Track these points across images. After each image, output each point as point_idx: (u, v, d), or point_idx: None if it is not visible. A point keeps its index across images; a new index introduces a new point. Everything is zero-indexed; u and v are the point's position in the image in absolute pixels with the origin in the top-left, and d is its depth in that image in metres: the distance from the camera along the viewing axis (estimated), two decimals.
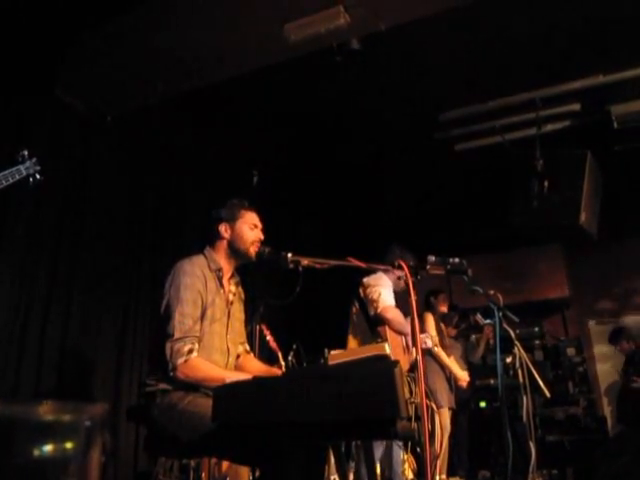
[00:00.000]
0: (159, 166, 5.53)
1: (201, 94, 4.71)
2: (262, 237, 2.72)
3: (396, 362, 1.80)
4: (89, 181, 4.74)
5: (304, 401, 1.78)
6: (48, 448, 3.17)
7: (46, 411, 3.26)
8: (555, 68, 4.83)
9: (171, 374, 2.37)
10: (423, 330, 4.96)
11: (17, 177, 3.00)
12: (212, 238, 2.74)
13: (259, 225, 2.76)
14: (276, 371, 2.98)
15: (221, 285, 2.67)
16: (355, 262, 2.53)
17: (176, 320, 2.43)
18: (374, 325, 4.19)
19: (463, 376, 5.21)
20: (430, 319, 5.25)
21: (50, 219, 4.34)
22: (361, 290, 4.31)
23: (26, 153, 3.07)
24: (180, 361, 2.37)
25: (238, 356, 2.81)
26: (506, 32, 4.36)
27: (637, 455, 4.34)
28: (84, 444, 3.31)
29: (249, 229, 2.71)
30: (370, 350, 2.19)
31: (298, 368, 4.53)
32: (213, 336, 2.57)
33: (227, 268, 2.72)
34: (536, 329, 7.25)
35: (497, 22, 4.25)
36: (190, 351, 2.40)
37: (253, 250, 2.68)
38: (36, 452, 3.12)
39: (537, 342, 7.22)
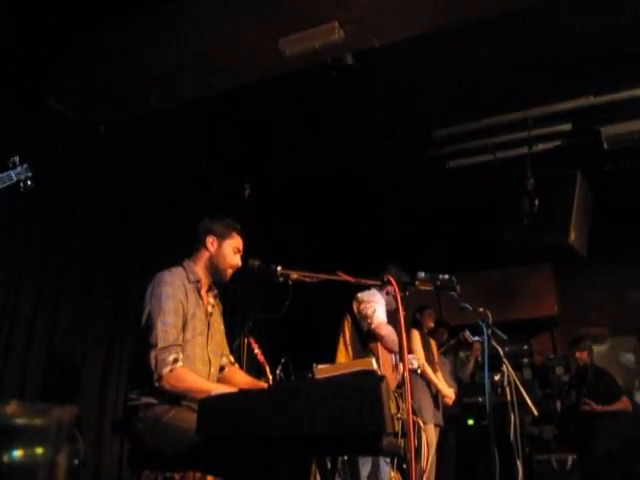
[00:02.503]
0: (151, 177, 5.52)
1: (195, 106, 4.72)
2: (240, 264, 2.73)
3: (383, 377, 1.79)
4: (80, 190, 4.72)
5: (289, 415, 1.76)
6: (18, 454, 3.12)
7: (13, 412, 3.20)
8: (547, 88, 4.88)
9: (156, 384, 2.34)
10: (410, 348, 4.96)
11: (7, 182, 2.98)
12: (195, 247, 2.75)
13: (241, 252, 2.77)
14: (262, 384, 2.96)
15: (200, 297, 2.67)
16: (344, 277, 2.53)
17: (159, 330, 2.42)
18: (366, 341, 4.19)
19: (449, 393, 5.20)
20: (416, 336, 5.25)
21: (40, 226, 4.31)
22: (355, 305, 4.32)
23: (17, 159, 3.05)
24: (165, 370, 2.35)
25: (223, 368, 2.79)
26: (499, 52, 4.41)
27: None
28: (52, 449, 3.25)
29: (232, 252, 2.72)
30: (357, 365, 2.19)
31: (284, 382, 4.51)
32: (195, 346, 2.56)
33: (205, 281, 2.72)
34: (525, 347, 7.26)
35: (490, 42, 4.29)
36: (175, 360, 2.38)
37: (229, 273, 2.71)
38: (5, 458, 3.06)
39: (526, 360, 7.22)
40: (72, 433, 3.44)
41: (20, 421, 3.24)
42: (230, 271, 2.70)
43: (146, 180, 5.47)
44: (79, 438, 3.53)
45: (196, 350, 2.56)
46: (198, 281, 2.67)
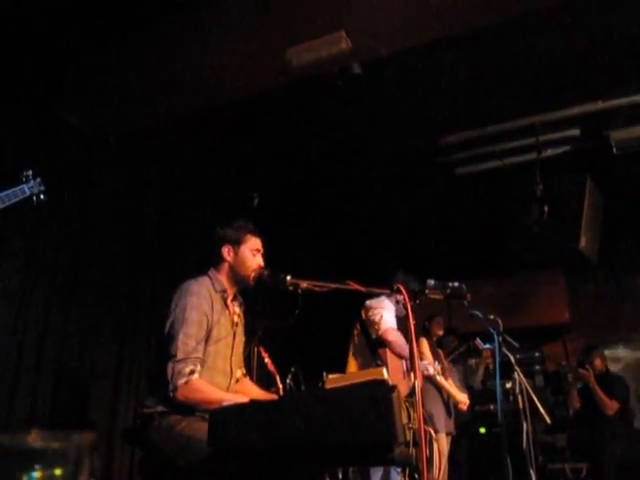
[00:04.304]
0: (160, 187, 5.55)
1: (203, 115, 4.74)
2: (262, 264, 2.70)
3: (394, 387, 1.78)
4: (90, 201, 4.75)
5: (300, 425, 1.76)
6: (37, 475, 3.13)
7: (34, 439, 3.23)
8: (555, 94, 4.87)
9: (171, 395, 2.35)
10: (420, 355, 4.93)
11: (20, 196, 3.02)
12: (214, 258, 2.73)
13: (261, 250, 2.74)
14: (273, 396, 2.95)
15: (226, 306, 2.67)
16: (355, 286, 2.52)
17: (180, 341, 2.42)
18: (375, 347, 4.18)
19: (463, 399, 5.14)
20: (425, 343, 5.22)
21: (50, 239, 4.34)
22: (363, 312, 4.32)
23: (30, 173, 3.10)
24: (181, 382, 2.35)
25: (237, 380, 2.79)
26: (506, 58, 4.40)
27: None
28: (72, 471, 3.27)
29: (252, 255, 2.69)
30: (368, 374, 2.17)
31: (295, 392, 4.49)
32: (217, 358, 2.56)
33: (230, 290, 2.72)
34: (536, 354, 7.21)
35: (497, 48, 4.29)
36: (192, 372, 2.38)
37: (253, 277, 2.67)
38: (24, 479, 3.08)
39: (537, 367, 7.16)
40: (91, 455, 3.48)
41: (38, 445, 3.26)
42: (254, 274, 2.66)
43: (155, 190, 5.50)
44: (96, 459, 3.57)
45: (218, 361, 2.56)
46: (224, 291, 2.66)
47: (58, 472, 3.22)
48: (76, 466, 3.32)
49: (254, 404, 1.98)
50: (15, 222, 3.97)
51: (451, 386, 5.19)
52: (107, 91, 4.46)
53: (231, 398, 2.29)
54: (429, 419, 4.67)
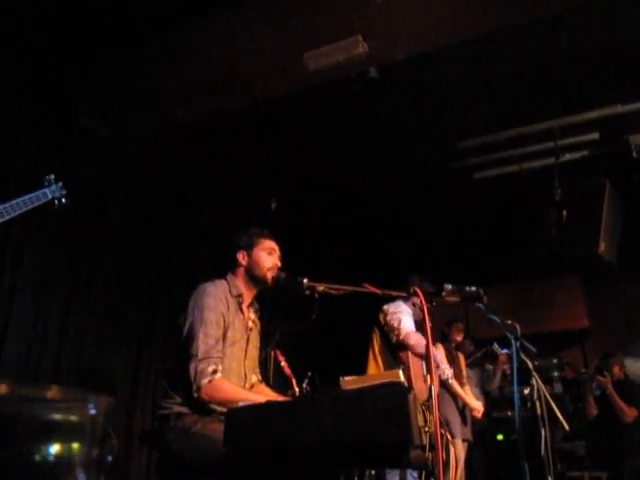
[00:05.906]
0: (178, 191, 5.59)
1: (220, 120, 4.77)
2: (279, 263, 2.73)
3: (410, 389, 1.77)
4: (109, 206, 4.81)
5: (315, 427, 1.75)
6: (55, 449, 3.11)
7: (53, 396, 3.21)
8: (574, 97, 4.83)
9: (195, 395, 2.36)
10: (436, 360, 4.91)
11: (42, 200, 3.08)
12: (232, 265, 2.76)
13: (276, 251, 2.76)
14: (289, 399, 2.95)
15: (241, 311, 2.69)
16: (371, 288, 2.52)
17: (200, 340, 2.43)
18: (395, 351, 4.19)
19: (477, 406, 5.10)
20: (441, 349, 5.19)
21: (70, 242, 4.40)
22: (381, 317, 4.35)
23: (52, 177, 3.16)
24: (204, 382, 2.36)
25: (252, 385, 2.79)
26: (524, 61, 4.39)
27: None
28: (89, 446, 3.25)
29: (266, 255, 2.72)
30: (384, 377, 2.17)
31: (311, 393, 4.50)
32: (232, 360, 2.57)
33: (247, 295, 2.74)
34: (555, 361, 7.13)
35: (515, 52, 4.27)
36: (214, 372, 2.39)
37: (270, 276, 2.68)
38: (43, 452, 3.06)
39: (556, 374, 7.08)
40: (106, 428, 3.47)
41: (57, 416, 3.25)
42: (270, 274, 2.68)
43: (173, 195, 5.54)
44: (112, 434, 3.56)
45: (233, 364, 2.58)
46: (240, 295, 2.68)
47: (75, 446, 3.20)
48: (93, 441, 3.30)
49: (270, 404, 1.98)
50: (37, 225, 4.02)
51: (467, 393, 5.16)
52: (125, 97, 4.50)
53: (254, 398, 2.29)
54: (445, 424, 4.65)
